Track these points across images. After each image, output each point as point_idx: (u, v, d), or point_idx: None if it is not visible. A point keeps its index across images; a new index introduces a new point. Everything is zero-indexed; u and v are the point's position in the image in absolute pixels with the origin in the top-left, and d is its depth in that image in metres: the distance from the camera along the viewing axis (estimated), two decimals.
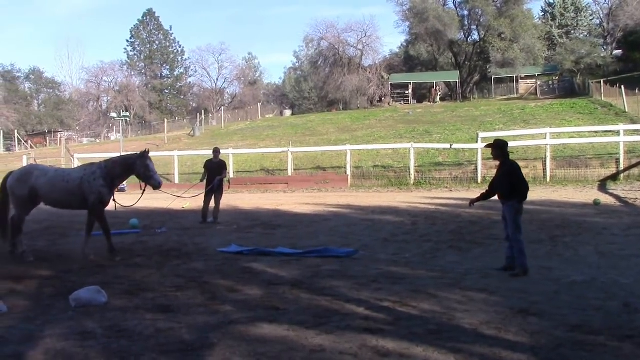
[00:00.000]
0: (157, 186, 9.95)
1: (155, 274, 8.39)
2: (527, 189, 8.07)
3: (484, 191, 8.66)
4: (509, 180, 8.01)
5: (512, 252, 8.02)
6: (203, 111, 62.38)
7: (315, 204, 18.82)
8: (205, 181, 14.74)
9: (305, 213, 16.22)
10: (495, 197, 8.33)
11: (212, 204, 14.57)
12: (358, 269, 8.38)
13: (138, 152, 10.02)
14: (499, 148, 8.27)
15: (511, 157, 8.54)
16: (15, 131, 60.24)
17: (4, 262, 9.13)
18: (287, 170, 28.85)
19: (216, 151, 15.18)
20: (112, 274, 8.33)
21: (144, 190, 10.12)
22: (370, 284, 7.37)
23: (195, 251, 10.39)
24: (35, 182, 9.52)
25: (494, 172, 23.51)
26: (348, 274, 8.01)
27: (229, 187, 21.91)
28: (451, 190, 22.22)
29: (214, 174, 14.56)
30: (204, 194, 14.26)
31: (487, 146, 8.74)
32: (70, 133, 67.98)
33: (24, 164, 32.14)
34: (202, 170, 15.03)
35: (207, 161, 14.99)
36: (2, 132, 59.03)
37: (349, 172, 26.92)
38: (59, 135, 63.18)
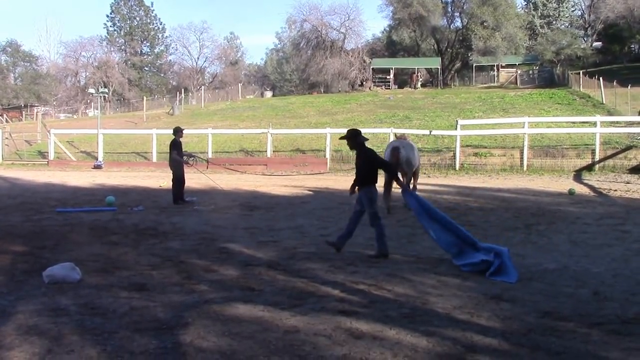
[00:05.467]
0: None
1: (131, 252, 8.35)
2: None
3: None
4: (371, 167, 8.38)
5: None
6: (183, 90, 61.65)
7: (294, 186, 18.81)
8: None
9: (284, 195, 16.20)
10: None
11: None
12: (334, 251, 8.41)
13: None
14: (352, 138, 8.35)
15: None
16: None
17: None
18: (266, 151, 28.76)
19: (181, 130, 14.84)
20: (87, 252, 8.27)
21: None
22: (346, 267, 7.42)
23: (171, 230, 10.35)
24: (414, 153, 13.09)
25: (472, 159, 23.69)
26: (324, 257, 8.05)
27: (207, 167, 21.82)
28: (429, 177, 22.34)
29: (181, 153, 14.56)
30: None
31: (341, 138, 8.70)
32: (47, 108, 66.80)
33: None
34: (173, 150, 14.43)
35: (175, 140, 14.48)
36: None
37: (328, 156, 26.91)
38: (35, 110, 62.04)
